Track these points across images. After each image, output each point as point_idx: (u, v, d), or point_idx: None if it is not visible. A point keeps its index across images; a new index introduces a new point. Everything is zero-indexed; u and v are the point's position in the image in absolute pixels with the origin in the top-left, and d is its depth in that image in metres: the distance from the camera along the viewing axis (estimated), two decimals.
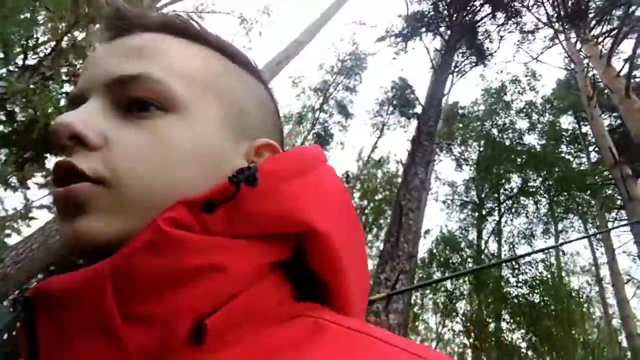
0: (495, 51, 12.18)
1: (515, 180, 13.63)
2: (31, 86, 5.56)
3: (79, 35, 5.89)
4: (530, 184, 13.12)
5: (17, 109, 5.95)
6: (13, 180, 8.18)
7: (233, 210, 0.33)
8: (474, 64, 11.54)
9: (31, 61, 6.09)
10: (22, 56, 5.55)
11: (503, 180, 13.41)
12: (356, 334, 0.32)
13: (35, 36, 6.08)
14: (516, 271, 9.99)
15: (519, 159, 13.48)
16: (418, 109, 15.43)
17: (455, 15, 10.89)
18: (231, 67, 0.44)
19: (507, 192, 13.31)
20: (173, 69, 0.39)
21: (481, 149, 14.30)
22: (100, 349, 0.30)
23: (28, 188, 9.21)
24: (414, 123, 15.29)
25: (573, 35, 11.17)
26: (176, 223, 0.32)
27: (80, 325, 0.31)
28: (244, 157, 0.41)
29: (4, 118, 5.74)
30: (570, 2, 10.98)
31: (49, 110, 5.76)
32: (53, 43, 6.42)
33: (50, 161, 7.64)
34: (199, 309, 0.31)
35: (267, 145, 0.43)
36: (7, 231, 9.33)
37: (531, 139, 15.53)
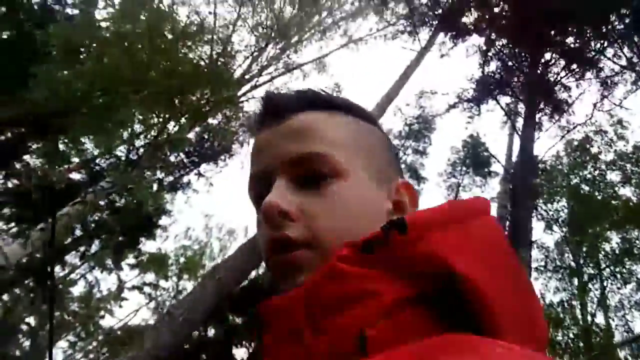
0: (574, 102, 11.58)
1: (617, 241, 12.24)
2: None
3: (172, 129, 6.46)
4: (635, 243, 11.69)
5: (117, 197, 6.45)
6: (108, 262, 8.68)
7: (386, 251, 0.41)
8: (554, 120, 10.99)
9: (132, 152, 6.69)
10: (125, 151, 6.14)
11: (601, 241, 12.09)
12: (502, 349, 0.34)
13: (134, 130, 6.71)
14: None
15: (616, 216, 12.17)
16: (495, 167, 14.82)
17: (528, 72, 10.59)
18: (362, 124, 0.55)
19: (608, 254, 11.93)
20: (333, 142, 0.50)
21: (571, 206, 13.16)
22: (296, 353, 0.40)
23: (121, 269, 9.67)
24: (492, 181, 14.64)
25: None
26: (344, 259, 0.42)
27: (284, 333, 0.42)
28: (388, 198, 0.52)
29: (104, 206, 6.23)
30: None
31: (147, 199, 6.19)
32: (151, 134, 7.04)
33: (144, 244, 8.09)
34: (362, 324, 0.38)
35: (403, 185, 0.54)
36: (102, 312, 9.76)
37: (627, 192, 14.09)
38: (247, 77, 9.62)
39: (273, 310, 0.44)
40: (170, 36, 6.47)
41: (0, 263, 5.10)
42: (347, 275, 0.41)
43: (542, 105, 11.63)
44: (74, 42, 5.38)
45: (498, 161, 13.68)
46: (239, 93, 9.30)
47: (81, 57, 5.67)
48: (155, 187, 7.13)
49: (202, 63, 7.06)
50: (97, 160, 6.23)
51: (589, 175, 13.89)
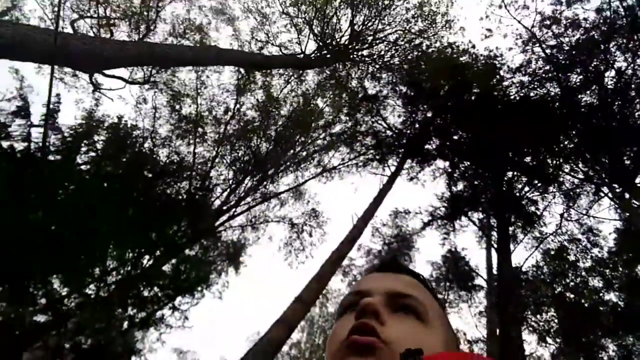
0: (541, 214, 11.83)
1: (614, 349, 11.50)
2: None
3: (147, 262, 6.34)
4: (635, 349, 10.95)
5: (82, 339, 5.99)
6: None
7: None
8: (527, 231, 11.12)
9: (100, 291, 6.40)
10: (95, 289, 5.90)
11: (597, 349, 11.33)
12: None
13: (107, 266, 6.53)
14: None
15: (606, 321, 11.60)
16: (478, 280, 14.47)
17: (494, 189, 11.00)
18: (434, 298, 0.68)
19: None
20: (425, 299, 0.64)
21: (561, 316, 12.59)
22: None
23: None
24: (477, 295, 14.15)
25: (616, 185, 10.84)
26: None
27: None
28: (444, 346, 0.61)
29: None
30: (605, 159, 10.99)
31: (116, 339, 5.77)
32: (124, 269, 6.83)
33: None
34: None
35: (456, 340, 0.66)
36: None
37: (612, 297, 13.67)
38: (225, 207, 9.79)
39: None
40: (149, 175, 6.70)
41: None
42: None
43: (512, 219, 11.87)
44: (50, 186, 5.52)
45: (480, 275, 13.46)
46: (217, 223, 9.36)
47: (58, 198, 5.76)
48: (125, 324, 6.69)
49: (181, 197, 7.22)
50: (64, 301, 5.92)
51: (571, 283, 13.62)
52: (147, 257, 6.51)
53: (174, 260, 7.32)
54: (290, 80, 11.71)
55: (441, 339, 0.60)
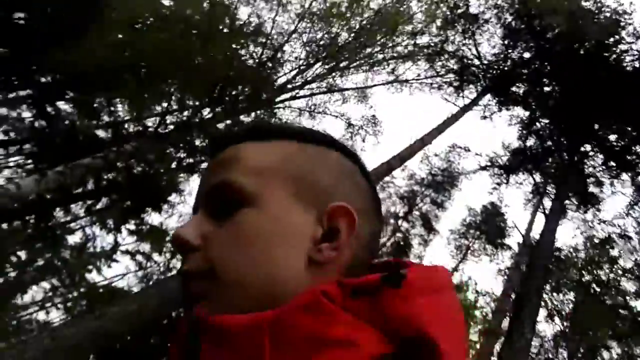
0: (604, 200, 11.41)
1: (617, 351, 11.80)
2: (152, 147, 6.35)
3: (206, 115, 6.81)
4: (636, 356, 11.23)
5: (135, 164, 6.78)
6: (110, 222, 8.98)
7: (372, 302, 0.41)
8: (581, 211, 10.87)
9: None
10: (155, 124, 6.49)
11: (601, 346, 11.65)
12: None
13: (170, 106, 7.09)
14: None
15: (621, 324, 11.76)
16: (508, 240, 14.58)
17: (565, 157, 10.61)
18: (303, 148, 0.53)
19: None
20: (251, 169, 0.49)
21: (578, 303, 12.80)
22: None
23: (120, 232, 9.98)
24: (502, 254, 14.41)
25: None
26: (329, 297, 0.40)
27: (237, 357, 0.39)
28: (319, 224, 0.48)
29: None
30: None
31: (163, 172, 6.50)
32: (184, 115, 7.40)
33: (149, 215, 8.43)
34: None
35: (340, 208, 0.49)
36: (90, 267, 10.05)
37: (639, 305, 13.65)
38: (289, 86, 10.00)
39: (226, 328, 0.41)
40: (226, 30, 6.88)
41: (12, 192, 5.41)
42: (332, 315, 0.39)
43: (571, 194, 11.54)
44: (135, 12, 5.82)
45: (521, 234, 13.45)
46: (277, 99, 9.67)
47: (138, 27, 6.10)
48: (174, 164, 7.44)
49: (250, 62, 7.45)
50: (126, 125, 6.60)
51: (603, 277, 13.55)
52: (207, 109, 6.99)
53: (228, 121, 7.79)
54: None
55: (282, 206, 0.48)
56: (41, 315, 10.71)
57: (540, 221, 12.72)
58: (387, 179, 12.99)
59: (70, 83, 5.93)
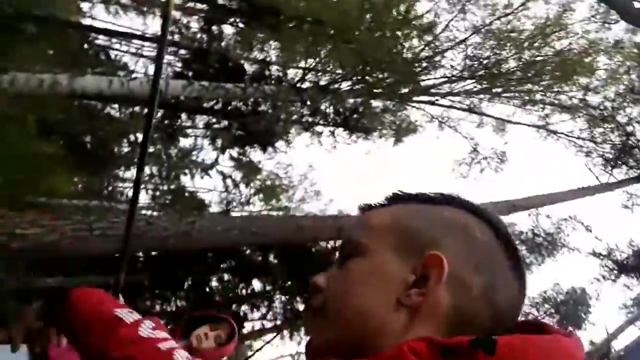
0: None
1: None
2: None
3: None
4: None
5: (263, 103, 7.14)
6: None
7: None
8: None
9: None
10: (297, 76, 6.75)
11: None
12: None
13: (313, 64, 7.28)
14: None
15: None
16: (580, 334, 13.11)
17: None
18: (420, 207, 0.60)
19: None
20: (367, 227, 0.59)
21: None
22: None
23: (223, 154, 10.57)
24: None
25: None
26: (416, 354, 0.42)
27: None
28: (412, 272, 0.53)
29: None
30: None
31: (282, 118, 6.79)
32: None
33: (254, 149, 8.99)
34: None
35: (433, 257, 0.52)
36: (186, 170, 10.95)
37: None
38: (432, 90, 9.72)
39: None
40: (398, 15, 6.81)
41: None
42: None
43: None
44: None
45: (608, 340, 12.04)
46: (415, 98, 9.46)
47: None
48: (294, 117, 7.73)
49: (408, 53, 7.34)
50: (272, 67, 6.93)
51: None
52: (347, 82, 7.09)
53: (360, 99, 7.83)
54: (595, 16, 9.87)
55: (384, 254, 0.55)
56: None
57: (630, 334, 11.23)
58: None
59: (243, 13, 6.32)
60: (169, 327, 2.19)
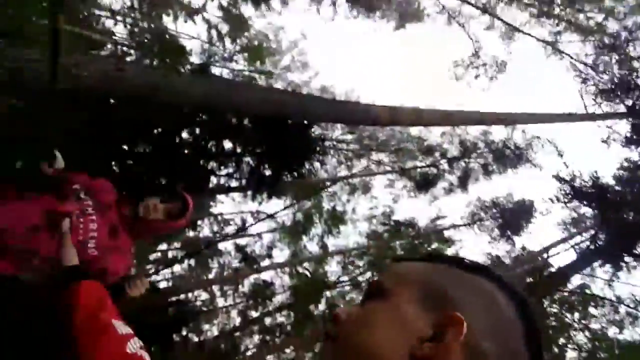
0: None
1: None
2: None
3: None
4: None
5: None
6: None
7: None
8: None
9: None
10: None
11: None
12: None
13: None
14: None
15: None
16: (518, 241, 14.12)
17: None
18: (444, 269, 0.64)
19: None
20: (393, 274, 0.64)
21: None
22: None
23: None
24: (503, 247, 14.11)
25: None
26: None
27: None
28: (431, 327, 0.55)
29: None
30: None
31: None
32: None
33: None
34: None
35: (453, 317, 0.54)
36: (170, 10, 10.06)
37: None
38: None
39: None
40: None
41: None
42: None
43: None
44: None
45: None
46: None
47: None
48: None
49: None
50: None
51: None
52: None
53: None
54: None
55: (405, 303, 0.57)
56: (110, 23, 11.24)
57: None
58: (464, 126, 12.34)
59: None
60: (123, 193, 2.11)
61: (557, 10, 10.49)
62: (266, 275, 12.53)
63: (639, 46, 10.41)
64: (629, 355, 9.75)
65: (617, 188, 10.32)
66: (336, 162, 13.55)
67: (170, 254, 13.83)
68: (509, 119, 8.90)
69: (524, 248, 12.62)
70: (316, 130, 9.36)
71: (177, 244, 13.70)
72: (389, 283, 0.61)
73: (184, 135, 8.61)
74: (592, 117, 10.74)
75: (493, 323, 0.56)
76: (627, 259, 10.11)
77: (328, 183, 14.00)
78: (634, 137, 10.44)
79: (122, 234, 1.99)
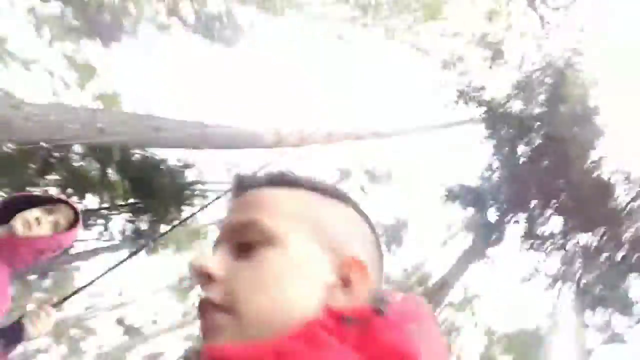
0: None
1: None
2: None
3: None
4: None
5: None
6: None
7: (363, 331, 0.44)
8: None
9: None
10: None
11: None
12: None
13: None
14: None
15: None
16: None
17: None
18: (320, 198, 0.58)
19: None
20: (274, 212, 0.53)
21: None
22: None
23: None
24: None
25: None
26: (325, 328, 0.44)
27: None
28: (333, 272, 0.52)
29: None
30: None
31: None
32: None
33: None
34: None
35: (355, 261, 0.53)
36: None
37: None
38: None
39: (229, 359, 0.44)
40: None
41: None
42: (326, 344, 0.43)
43: None
44: None
45: None
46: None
47: None
48: None
49: None
50: None
51: None
52: None
53: None
54: None
55: (303, 250, 0.51)
56: None
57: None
58: None
59: None
60: None
61: None
62: None
63: None
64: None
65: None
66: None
67: None
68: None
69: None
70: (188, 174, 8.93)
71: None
72: (274, 226, 0.51)
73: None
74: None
75: (372, 253, 0.57)
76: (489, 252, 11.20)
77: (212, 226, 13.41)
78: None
79: None
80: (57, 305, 1.69)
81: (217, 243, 0.55)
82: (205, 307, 0.50)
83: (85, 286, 1.99)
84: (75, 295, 1.99)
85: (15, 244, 1.58)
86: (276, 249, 0.50)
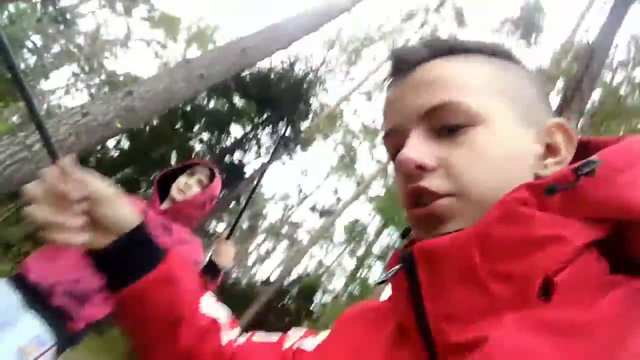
0: None
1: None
2: None
3: None
4: None
5: None
6: (120, 5, 8.54)
7: (570, 195, 0.42)
8: None
9: None
10: None
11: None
12: None
13: None
14: None
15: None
16: (541, 38, 13.69)
17: None
18: (501, 63, 0.53)
19: None
20: (466, 87, 0.49)
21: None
22: (471, 295, 0.42)
23: (131, 16, 9.54)
24: (534, 50, 13.75)
25: None
26: (521, 202, 0.43)
27: (453, 275, 0.43)
28: (538, 141, 0.50)
29: None
30: None
31: None
32: None
33: None
34: (547, 270, 0.41)
35: (556, 124, 0.51)
36: (107, 53, 10.18)
37: None
38: None
39: (438, 251, 0.44)
40: None
41: None
42: (530, 219, 0.42)
43: None
44: None
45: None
46: None
47: None
48: None
49: None
50: None
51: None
52: None
53: None
54: None
55: (509, 126, 0.49)
56: (67, 100, 11.39)
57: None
58: None
59: None
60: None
61: None
62: None
63: None
64: None
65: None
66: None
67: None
68: None
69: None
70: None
71: None
72: (474, 104, 0.48)
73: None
74: None
75: (547, 103, 0.55)
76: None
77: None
78: None
79: (173, 227, 1.89)
80: (228, 237, 2.03)
81: (395, 132, 0.53)
82: (424, 198, 0.48)
83: (240, 213, 2.33)
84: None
85: (181, 209, 1.91)
86: (484, 127, 0.48)
